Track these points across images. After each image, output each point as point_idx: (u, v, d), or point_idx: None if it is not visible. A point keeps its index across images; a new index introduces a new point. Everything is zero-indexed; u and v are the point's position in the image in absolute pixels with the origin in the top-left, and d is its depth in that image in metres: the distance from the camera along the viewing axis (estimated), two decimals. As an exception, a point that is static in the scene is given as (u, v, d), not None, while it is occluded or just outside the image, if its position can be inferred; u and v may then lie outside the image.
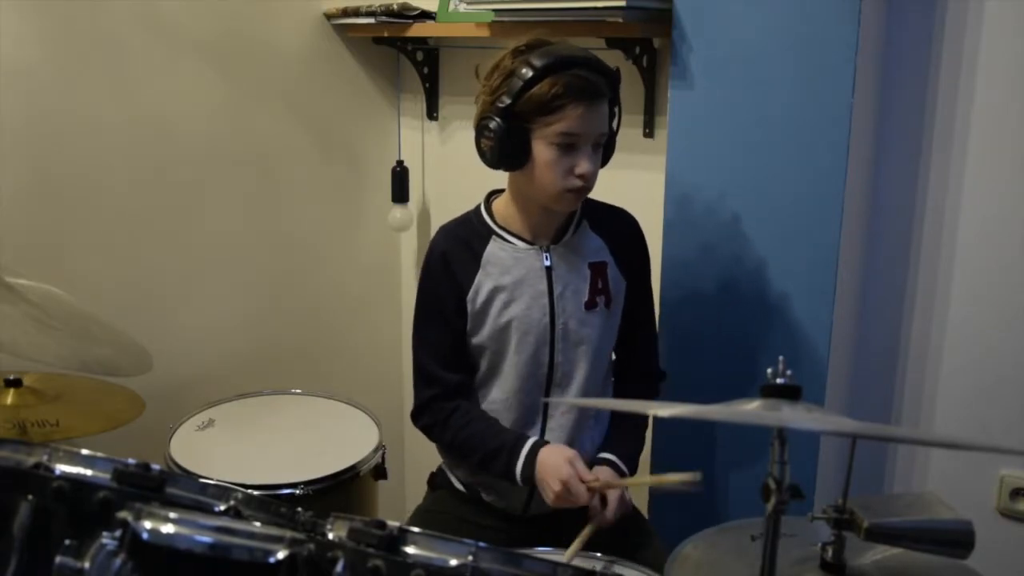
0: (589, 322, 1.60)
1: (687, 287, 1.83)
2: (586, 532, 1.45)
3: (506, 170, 1.55)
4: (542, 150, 1.49)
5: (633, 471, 1.62)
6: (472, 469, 1.62)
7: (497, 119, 1.48)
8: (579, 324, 1.59)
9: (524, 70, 1.46)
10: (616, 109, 1.56)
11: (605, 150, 1.56)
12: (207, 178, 2.17)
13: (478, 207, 1.64)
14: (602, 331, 1.62)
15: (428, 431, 1.64)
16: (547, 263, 1.58)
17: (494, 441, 1.55)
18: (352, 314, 2.55)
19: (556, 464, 1.48)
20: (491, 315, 1.57)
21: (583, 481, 1.46)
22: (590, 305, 1.59)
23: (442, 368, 1.61)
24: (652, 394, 1.74)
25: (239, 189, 2.24)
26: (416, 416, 1.65)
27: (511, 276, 1.57)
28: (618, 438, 1.64)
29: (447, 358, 1.61)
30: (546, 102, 1.45)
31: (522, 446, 1.53)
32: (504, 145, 1.49)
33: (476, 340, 1.60)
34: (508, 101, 1.46)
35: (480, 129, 1.51)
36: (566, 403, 1.60)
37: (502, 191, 1.64)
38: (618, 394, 1.70)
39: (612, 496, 1.50)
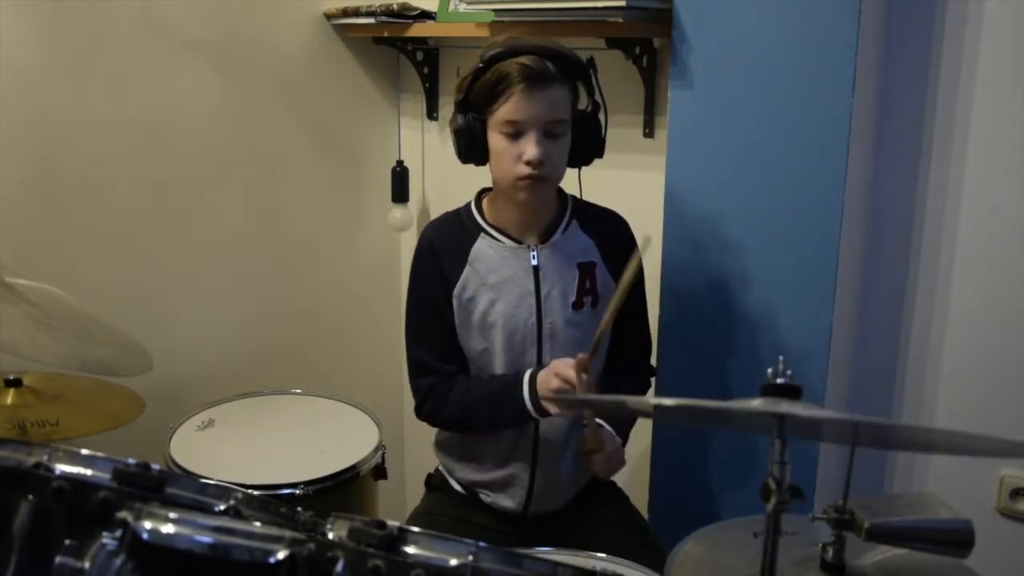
0: (576, 322, 1.60)
1: (687, 287, 1.83)
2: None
3: (474, 164, 1.57)
4: (494, 140, 1.51)
5: (624, 438, 1.62)
6: (483, 429, 1.61)
7: (458, 116, 1.53)
8: (566, 324, 1.59)
9: (477, 64, 1.50)
10: (598, 99, 1.56)
11: (590, 146, 1.56)
12: (207, 178, 2.17)
13: (468, 204, 1.65)
14: (589, 331, 1.62)
15: (434, 415, 1.63)
16: (535, 262, 1.58)
17: (496, 387, 1.56)
18: (352, 314, 2.55)
19: (546, 371, 1.50)
20: (477, 312, 1.58)
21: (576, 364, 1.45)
22: (577, 305, 1.60)
23: (437, 359, 1.61)
24: (643, 392, 1.75)
25: (239, 189, 2.24)
26: (419, 408, 1.64)
27: (498, 275, 1.58)
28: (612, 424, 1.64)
29: (441, 349, 1.61)
30: (489, 89, 1.48)
31: (523, 379, 1.54)
32: (464, 139, 1.53)
33: (463, 338, 1.60)
34: (462, 95, 1.52)
35: (450, 129, 1.56)
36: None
37: (492, 189, 1.64)
38: (609, 390, 1.69)
39: (604, 435, 1.51)
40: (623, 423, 1.64)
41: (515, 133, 1.48)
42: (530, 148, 1.48)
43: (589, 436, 1.50)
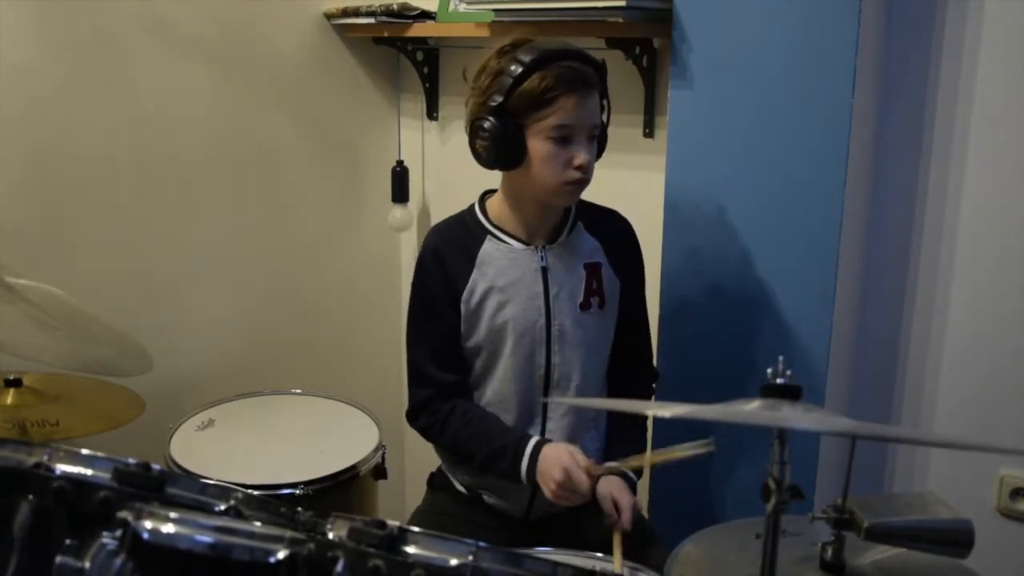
0: (583, 323, 1.59)
1: (687, 287, 1.83)
2: (618, 540, 1.46)
3: (503, 169, 1.54)
4: (538, 145, 1.48)
5: (639, 476, 1.62)
6: (474, 469, 1.62)
7: (490, 119, 1.47)
8: (574, 325, 1.58)
9: (513, 67, 1.46)
10: (605, 102, 1.55)
11: (602, 143, 1.56)
12: (207, 178, 2.17)
13: (472, 206, 1.64)
14: (597, 332, 1.62)
15: (426, 432, 1.63)
16: (543, 264, 1.58)
17: (497, 441, 1.55)
18: (352, 314, 2.55)
19: (556, 455, 1.48)
20: (486, 316, 1.57)
21: (585, 471, 1.45)
22: (585, 306, 1.59)
23: (437, 368, 1.60)
24: (647, 395, 1.74)
25: (239, 189, 2.24)
26: (412, 417, 1.64)
27: (507, 277, 1.57)
28: (620, 445, 1.63)
29: (442, 358, 1.60)
30: (538, 96, 1.45)
31: (526, 445, 1.52)
32: (499, 144, 1.48)
33: (471, 342, 1.59)
34: (500, 99, 1.46)
35: (474, 130, 1.51)
36: (567, 403, 1.60)
37: (496, 191, 1.63)
38: (614, 396, 1.69)
39: (624, 504, 1.50)
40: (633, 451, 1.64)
41: (564, 138, 1.47)
42: (582, 154, 1.48)
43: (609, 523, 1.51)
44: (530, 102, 1.46)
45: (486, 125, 1.48)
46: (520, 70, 1.45)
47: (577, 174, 1.49)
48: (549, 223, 1.60)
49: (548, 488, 1.48)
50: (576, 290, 1.59)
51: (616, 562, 1.42)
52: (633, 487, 1.58)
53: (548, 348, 1.58)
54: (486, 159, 1.52)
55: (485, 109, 1.48)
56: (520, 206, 1.58)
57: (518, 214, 1.59)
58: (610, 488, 1.53)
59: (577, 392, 1.60)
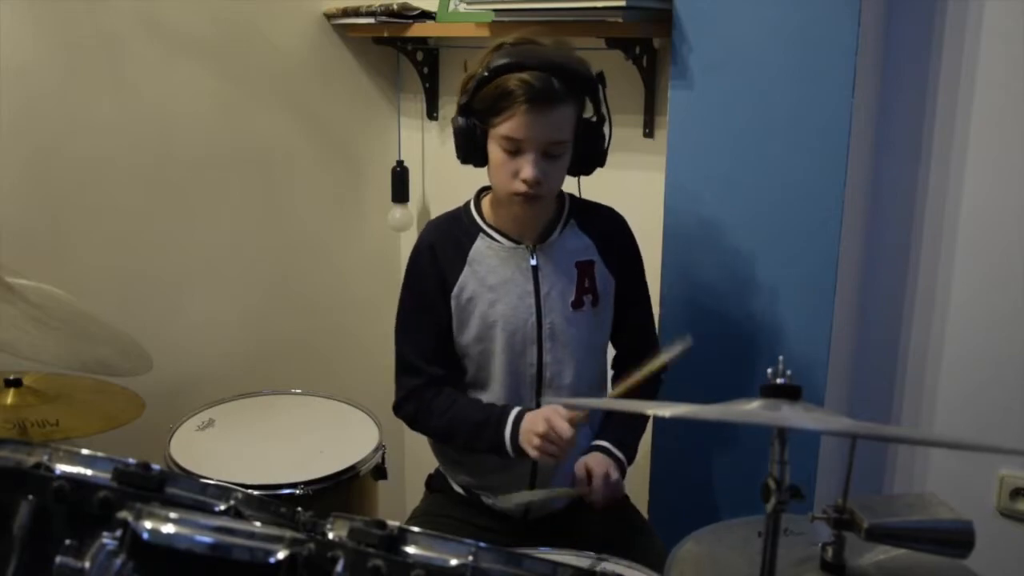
0: (576, 321, 1.59)
1: (687, 287, 1.83)
2: (563, 492, 1.49)
3: (474, 166, 1.56)
4: (493, 150, 1.50)
5: (630, 458, 1.61)
6: (460, 448, 1.61)
7: (460, 117, 1.51)
8: (566, 323, 1.58)
9: (481, 69, 1.46)
10: (604, 112, 1.52)
11: (591, 157, 1.54)
12: (207, 178, 2.17)
13: (467, 203, 1.65)
14: (590, 330, 1.61)
15: (412, 419, 1.64)
16: (533, 263, 1.58)
17: (480, 415, 1.55)
18: (352, 314, 2.55)
19: (537, 412, 1.50)
20: (476, 314, 1.57)
21: (568, 421, 1.45)
22: (577, 304, 1.59)
23: (426, 361, 1.61)
24: (652, 389, 1.73)
25: (239, 189, 2.24)
26: (398, 406, 1.65)
27: (497, 275, 1.57)
28: (611, 426, 1.63)
29: (432, 351, 1.61)
30: (493, 103, 1.46)
31: (508, 413, 1.53)
32: (464, 142, 1.52)
33: (462, 340, 1.59)
34: (465, 99, 1.49)
35: (452, 127, 1.54)
36: (564, 403, 1.59)
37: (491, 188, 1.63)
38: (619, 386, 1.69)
39: (597, 472, 1.50)
40: (631, 434, 1.64)
41: (514, 150, 1.47)
42: (527, 168, 1.46)
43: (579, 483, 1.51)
44: (488, 107, 1.47)
45: (457, 124, 1.52)
46: (485, 73, 1.45)
47: (522, 187, 1.47)
48: (539, 222, 1.60)
49: (531, 445, 1.46)
50: (568, 289, 1.59)
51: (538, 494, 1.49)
52: (622, 469, 1.57)
53: (540, 347, 1.58)
54: (457, 154, 1.55)
55: (458, 107, 1.52)
56: (505, 205, 1.58)
57: (506, 213, 1.59)
58: (587, 460, 1.54)
59: (571, 391, 1.59)
